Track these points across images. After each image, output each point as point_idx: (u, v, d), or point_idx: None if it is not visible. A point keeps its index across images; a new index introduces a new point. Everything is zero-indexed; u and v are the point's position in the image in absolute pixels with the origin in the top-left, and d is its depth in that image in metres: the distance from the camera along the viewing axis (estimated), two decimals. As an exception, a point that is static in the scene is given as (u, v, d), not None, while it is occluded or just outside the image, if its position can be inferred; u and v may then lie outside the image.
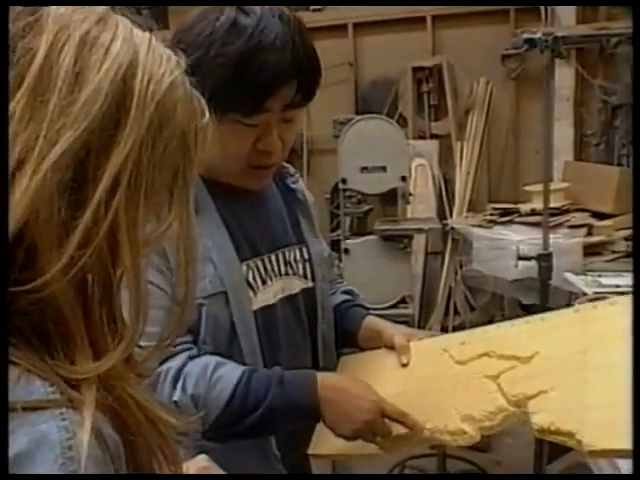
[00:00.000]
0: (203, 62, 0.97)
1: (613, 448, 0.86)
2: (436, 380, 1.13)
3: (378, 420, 1.02)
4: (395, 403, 1.10)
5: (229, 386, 1.00)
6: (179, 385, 0.99)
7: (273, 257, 1.15)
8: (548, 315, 1.19)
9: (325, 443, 1.13)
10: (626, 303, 1.06)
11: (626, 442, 0.79)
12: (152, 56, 0.52)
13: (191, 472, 0.73)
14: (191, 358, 1.02)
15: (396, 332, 1.22)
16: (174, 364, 1.00)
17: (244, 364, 1.05)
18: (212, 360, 1.02)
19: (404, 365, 1.18)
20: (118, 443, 0.50)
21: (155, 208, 0.53)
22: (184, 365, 1.01)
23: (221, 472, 0.77)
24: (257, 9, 1.02)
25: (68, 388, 0.48)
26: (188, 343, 1.03)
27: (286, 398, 1.00)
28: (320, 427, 1.12)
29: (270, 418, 1.00)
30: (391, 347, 1.21)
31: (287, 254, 1.18)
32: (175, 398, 0.99)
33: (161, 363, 0.98)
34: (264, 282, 1.12)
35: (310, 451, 1.17)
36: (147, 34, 0.54)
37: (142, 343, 0.54)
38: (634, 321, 0.87)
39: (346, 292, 1.37)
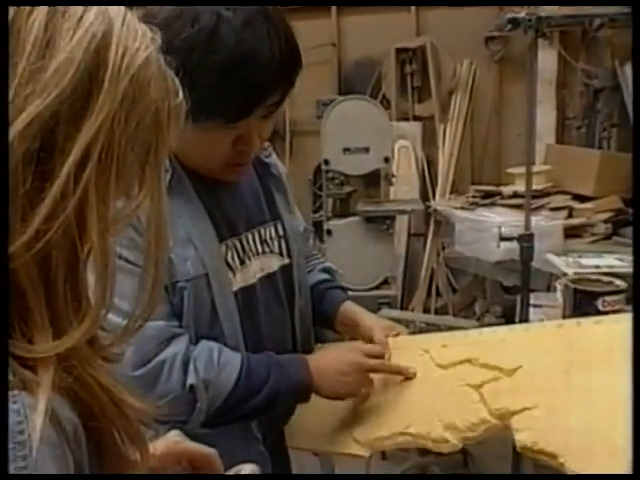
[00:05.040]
0: (185, 69, 0.91)
1: (594, 474, 0.89)
2: (416, 382, 1.13)
3: (361, 359, 1.10)
4: (375, 402, 1.14)
5: (235, 370, 1.03)
6: (191, 369, 1.00)
7: (250, 236, 1.14)
8: (532, 326, 1.21)
9: (304, 437, 1.17)
10: (611, 323, 1.07)
11: (606, 468, 0.85)
12: (127, 29, 0.51)
13: (159, 449, 0.72)
14: (191, 343, 1.02)
15: (374, 325, 1.21)
16: (178, 349, 0.99)
17: (225, 345, 1.05)
18: (214, 345, 1.03)
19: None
20: (77, 425, 0.49)
21: (126, 185, 0.51)
22: (188, 349, 1.01)
23: (193, 445, 0.76)
24: (240, 7, 0.93)
25: (21, 368, 0.46)
26: (181, 327, 1.02)
27: (285, 379, 1.06)
28: (297, 417, 1.17)
29: (273, 398, 1.05)
30: (368, 340, 1.20)
31: (262, 232, 1.16)
32: (191, 382, 0.99)
33: (159, 350, 0.98)
34: (242, 262, 1.11)
35: (289, 443, 1.20)
36: (122, 8, 0.52)
37: (112, 317, 0.52)
38: (634, 320, 0.86)
39: (325, 269, 1.36)
